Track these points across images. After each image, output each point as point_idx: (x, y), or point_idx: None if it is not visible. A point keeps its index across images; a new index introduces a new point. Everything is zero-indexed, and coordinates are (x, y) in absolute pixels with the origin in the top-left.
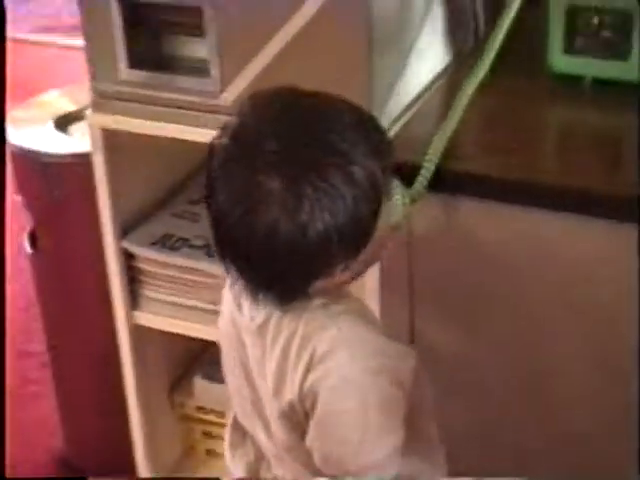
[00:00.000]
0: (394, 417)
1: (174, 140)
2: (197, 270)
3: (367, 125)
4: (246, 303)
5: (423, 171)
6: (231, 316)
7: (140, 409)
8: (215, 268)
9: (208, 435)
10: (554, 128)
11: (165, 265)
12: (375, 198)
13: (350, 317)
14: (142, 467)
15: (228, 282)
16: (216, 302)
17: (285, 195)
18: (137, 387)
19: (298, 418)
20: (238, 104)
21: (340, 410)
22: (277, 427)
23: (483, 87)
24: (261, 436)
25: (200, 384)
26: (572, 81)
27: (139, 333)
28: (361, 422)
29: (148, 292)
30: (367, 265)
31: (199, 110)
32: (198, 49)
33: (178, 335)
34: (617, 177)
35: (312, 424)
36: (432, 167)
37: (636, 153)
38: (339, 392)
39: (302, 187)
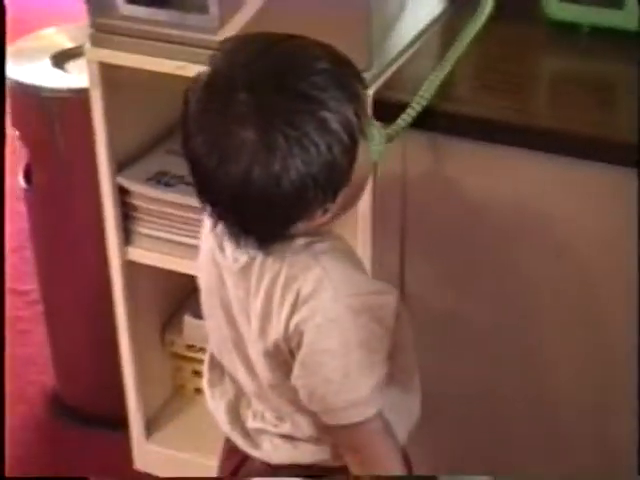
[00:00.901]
0: (376, 355)
1: (172, 77)
2: (190, 207)
3: (340, 70)
4: (228, 245)
5: (409, 110)
6: (212, 255)
7: (131, 346)
8: None
9: (197, 374)
10: (548, 74)
11: (159, 201)
12: (350, 143)
13: (333, 256)
14: (132, 405)
15: (207, 222)
16: None
17: (257, 145)
18: (128, 324)
19: (284, 357)
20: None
21: (323, 349)
22: (262, 366)
23: (480, 33)
24: (241, 374)
25: (190, 322)
26: (569, 29)
27: (132, 269)
28: (344, 361)
29: (142, 228)
30: (347, 206)
31: (197, 46)
32: None
33: (170, 273)
34: (609, 122)
35: (297, 363)
36: (418, 108)
37: (630, 99)
38: (323, 331)
39: (274, 136)
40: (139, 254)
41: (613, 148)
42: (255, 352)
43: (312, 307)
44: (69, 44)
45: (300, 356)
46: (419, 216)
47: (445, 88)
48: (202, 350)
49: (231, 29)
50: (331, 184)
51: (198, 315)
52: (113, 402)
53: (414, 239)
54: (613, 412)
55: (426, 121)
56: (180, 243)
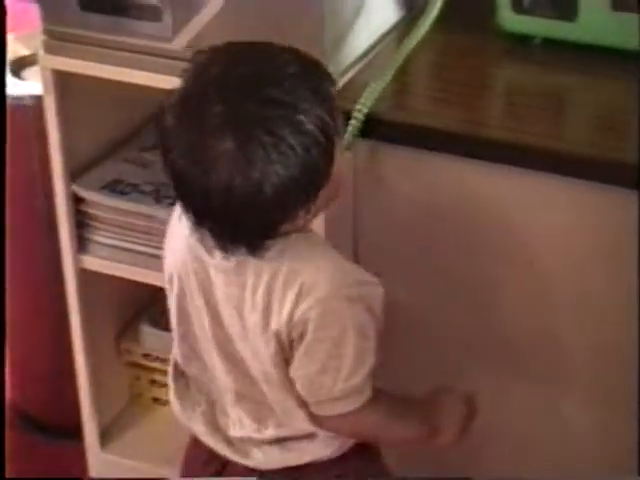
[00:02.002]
0: (369, 343)
1: (126, 85)
2: (145, 215)
3: (310, 72)
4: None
5: (352, 120)
6: (191, 256)
7: (86, 355)
8: (163, 213)
9: (154, 383)
10: (500, 85)
11: (113, 210)
12: (327, 143)
13: (325, 247)
14: (86, 413)
15: (179, 227)
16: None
17: (236, 155)
18: (83, 333)
19: (282, 347)
20: (190, 49)
21: (325, 337)
22: (263, 360)
23: (433, 43)
24: (222, 375)
25: (146, 331)
26: (522, 40)
27: (86, 278)
28: (342, 350)
29: (96, 237)
30: (328, 203)
31: (151, 54)
32: None
33: (125, 281)
34: (559, 133)
35: (298, 354)
36: (360, 117)
37: (580, 111)
38: (326, 321)
39: (251, 145)
40: (94, 263)
41: (563, 160)
42: (250, 348)
43: (315, 298)
44: (25, 51)
45: (302, 346)
46: (371, 223)
47: (396, 97)
48: (159, 359)
49: (185, 37)
50: (312, 185)
51: (155, 324)
52: (69, 411)
53: (366, 247)
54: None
55: (375, 130)
56: (135, 251)
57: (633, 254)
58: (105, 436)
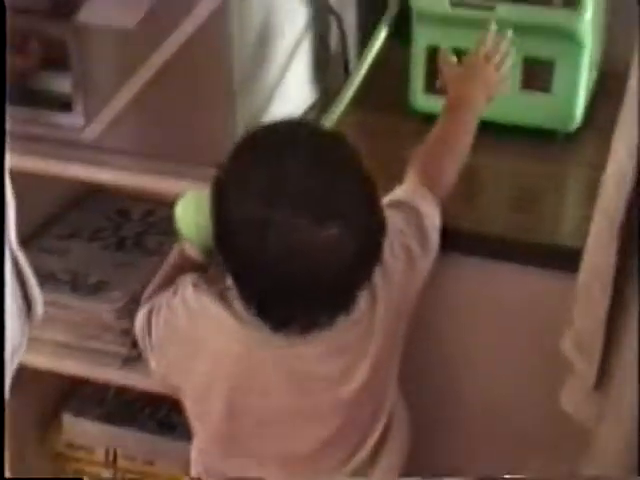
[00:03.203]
0: None
1: (41, 175)
2: (61, 304)
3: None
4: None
5: None
6: (247, 347)
7: (9, 446)
8: (78, 302)
9: (78, 472)
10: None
11: None
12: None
13: None
14: None
15: (208, 307)
16: (83, 337)
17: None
18: (6, 423)
19: None
20: (104, 139)
21: None
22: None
23: (347, 124)
24: (294, 439)
25: (69, 421)
26: (434, 119)
27: None
28: None
29: None
30: None
31: (64, 145)
32: (62, 83)
33: (49, 372)
34: (474, 214)
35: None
36: None
37: (491, 190)
38: None
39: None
40: None
41: (479, 241)
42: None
43: None
44: None
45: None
46: None
47: None
48: (82, 448)
49: (96, 127)
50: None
51: (78, 413)
52: None
53: None
54: None
55: None
56: (59, 343)
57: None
58: None
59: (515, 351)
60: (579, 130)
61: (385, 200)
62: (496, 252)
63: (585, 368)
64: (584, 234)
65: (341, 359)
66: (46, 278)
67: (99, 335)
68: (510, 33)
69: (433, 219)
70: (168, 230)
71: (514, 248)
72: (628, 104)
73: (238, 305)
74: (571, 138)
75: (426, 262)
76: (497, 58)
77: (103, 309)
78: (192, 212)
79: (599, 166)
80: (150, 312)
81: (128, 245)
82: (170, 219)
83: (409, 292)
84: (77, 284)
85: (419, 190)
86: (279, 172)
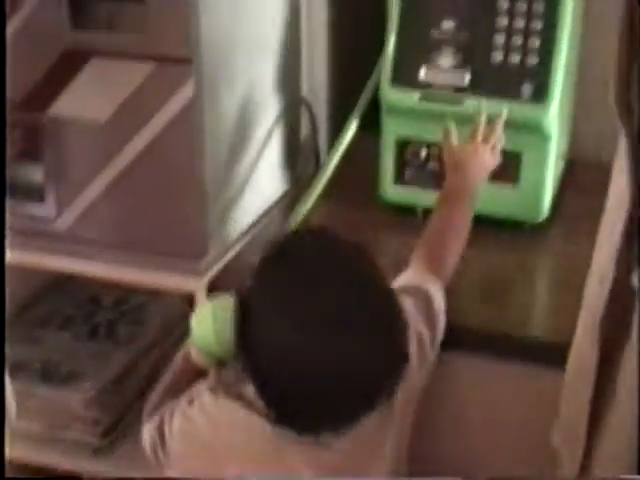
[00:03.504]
0: None
1: (13, 265)
2: (32, 394)
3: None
4: None
5: None
6: (275, 438)
7: None
8: (49, 392)
9: None
10: (384, 259)
11: None
12: None
13: None
14: None
15: (231, 412)
16: (54, 427)
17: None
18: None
19: None
20: (76, 230)
21: None
22: None
23: (319, 216)
24: None
25: None
26: (404, 210)
27: None
28: None
29: None
30: None
31: (36, 235)
32: (35, 174)
33: (16, 461)
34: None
35: None
36: None
37: (463, 282)
38: None
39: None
40: None
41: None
42: None
43: None
44: None
45: None
46: None
47: None
48: None
49: (67, 218)
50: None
51: None
52: None
53: None
54: None
55: None
56: (29, 433)
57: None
58: None
59: (504, 443)
60: (547, 220)
61: (395, 284)
62: (465, 343)
63: (570, 457)
64: (554, 326)
65: (365, 447)
66: (17, 367)
67: (70, 425)
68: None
69: (440, 302)
70: (139, 319)
71: (485, 340)
72: (610, 209)
73: (261, 403)
74: (539, 229)
75: (435, 344)
76: (493, 140)
77: (74, 399)
78: (211, 324)
79: (568, 256)
80: (161, 424)
81: (100, 334)
82: (141, 307)
83: (421, 376)
84: (48, 374)
85: (425, 275)
86: (312, 296)
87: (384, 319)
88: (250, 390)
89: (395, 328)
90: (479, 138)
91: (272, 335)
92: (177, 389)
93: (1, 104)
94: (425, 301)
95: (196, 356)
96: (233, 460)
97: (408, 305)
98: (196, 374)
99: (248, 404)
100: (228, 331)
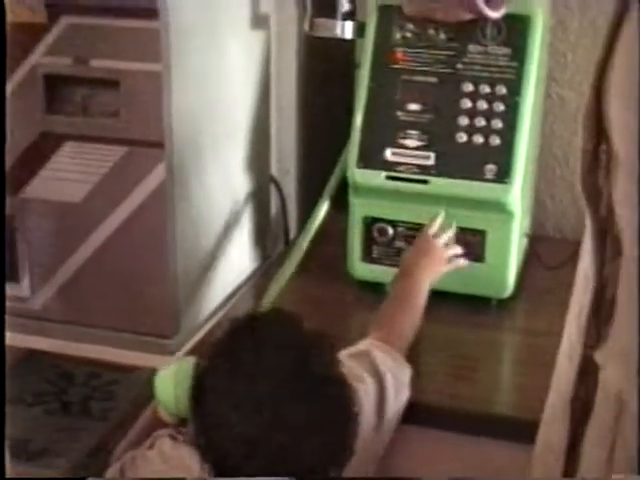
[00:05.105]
0: None
1: None
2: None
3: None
4: None
5: None
6: None
7: None
8: (20, 469)
9: None
10: (353, 335)
11: None
12: None
13: None
14: None
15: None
16: None
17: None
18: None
19: None
20: (49, 309)
21: None
22: None
23: (289, 292)
24: None
25: None
26: (373, 287)
27: None
28: None
29: None
30: None
31: (10, 314)
32: (10, 255)
33: None
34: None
35: None
36: None
37: (432, 359)
38: None
39: None
40: None
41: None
42: None
43: None
44: None
45: None
46: None
47: None
48: None
49: (42, 297)
50: None
51: None
52: None
53: None
54: None
55: None
56: None
57: None
58: None
59: None
60: (512, 296)
61: (344, 353)
62: (432, 419)
63: None
64: (519, 402)
65: None
66: None
67: None
68: (442, 213)
69: (385, 363)
70: (111, 395)
71: (451, 417)
72: (577, 288)
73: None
74: (504, 304)
75: (392, 408)
76: (445, 238)
77: (45, 475)
78: (171, 386)
79: (534, 332)
80: (123, 468)
81: (73, 410)
82: (113, 382)
83: (377, 439)
84: (18, 450)
85: (375, 342)
86: (257, 390)
87: (330, 415)
88: None
89: (341, 424)
90: (431, 232)
91: (218, 409)
92: (142, 439)
93: (1, 105)
94: (370, 363)
95: (162, 412)
96: None
97: (358, 369)
98: (162, 426)
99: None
100: (187, 396)
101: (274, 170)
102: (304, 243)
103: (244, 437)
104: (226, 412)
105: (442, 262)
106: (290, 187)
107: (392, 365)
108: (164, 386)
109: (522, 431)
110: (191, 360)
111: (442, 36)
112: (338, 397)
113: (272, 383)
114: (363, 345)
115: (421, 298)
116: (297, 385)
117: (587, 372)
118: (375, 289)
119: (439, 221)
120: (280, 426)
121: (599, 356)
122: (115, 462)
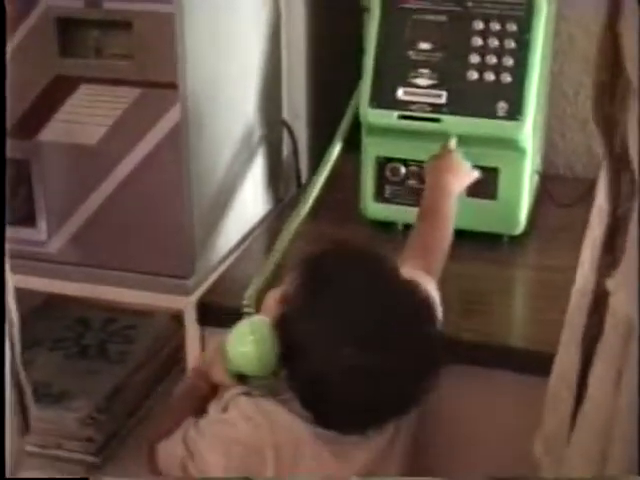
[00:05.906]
0: None
1: None
2: None
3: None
4: None
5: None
6: (316, 438)
7: None
8: (41, 412)
9: None
10: None
11: None
12: None
13: None
14: None
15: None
16: (47, 446)
17: None
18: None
19: None
20: (66, 252)
21: None
22: None
23: (303, 233)
24: None
25: None
26: (386, 227)
27: None
28: None
29: None
30: None
31: (27, 258)
32: (26, 200)
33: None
34: None
35: None
36: (252, 311)
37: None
38: None
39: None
40: None
41: None
42: None
43: None
44: None
45: None
46: None
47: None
48: None
49: (59, 241)
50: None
51: None
52: None
53: None
54: None
55: None
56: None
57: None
58: None
59: (487, 452)
60: (524, 233)
61: None
62: (450, 354)
63: (552, 467)
64: (536, 336)
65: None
66: None
67: (63, 443)
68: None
69: (436, 299)
70: (129, 338)
71: (465, 350)
72: (592, 225)
73: (297, 405)
74: (516, 241)
75: None
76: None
77: (68, 418)
78: (252, 340)
79: (545, 268)
80: (186, 438)
81: (91, 354)
82: (130, 327)
83: None
84: (40, 394)
85: (419, 273)
86: (353, 310)
87: (422, 326)
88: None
89: (432, 332)
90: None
91: (317, 350)
92: (184, 410)
93: (1, 104)
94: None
95: (218, 375)
96: (274, 460)
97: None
98: (203, 395)
99: (284, 405)
100: (268, 347)
101: (285, 114)
102: (317, 185)
103: (356, 368)
104: (336, 345)
105: (467, 174)
106: (301, 130)
107: (435, 295)
108: (242, 340)
109: (538, 363)
110: (257, 319)
111: None
112: (425, 305)
113: (377, 314)
114: (406, 274)
115: (452, 211)
116: (400, 312)
117: (599, 304)
118: (388, 228)
119: (454, 141)
120: (389, 356)
121: (610, 283)
122: (165, 433)
